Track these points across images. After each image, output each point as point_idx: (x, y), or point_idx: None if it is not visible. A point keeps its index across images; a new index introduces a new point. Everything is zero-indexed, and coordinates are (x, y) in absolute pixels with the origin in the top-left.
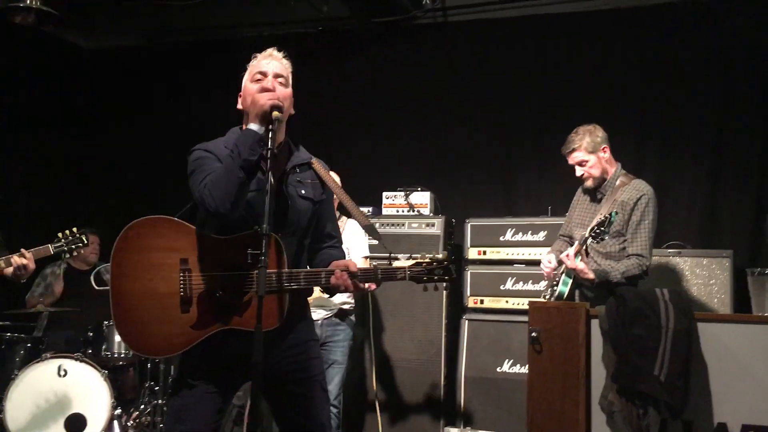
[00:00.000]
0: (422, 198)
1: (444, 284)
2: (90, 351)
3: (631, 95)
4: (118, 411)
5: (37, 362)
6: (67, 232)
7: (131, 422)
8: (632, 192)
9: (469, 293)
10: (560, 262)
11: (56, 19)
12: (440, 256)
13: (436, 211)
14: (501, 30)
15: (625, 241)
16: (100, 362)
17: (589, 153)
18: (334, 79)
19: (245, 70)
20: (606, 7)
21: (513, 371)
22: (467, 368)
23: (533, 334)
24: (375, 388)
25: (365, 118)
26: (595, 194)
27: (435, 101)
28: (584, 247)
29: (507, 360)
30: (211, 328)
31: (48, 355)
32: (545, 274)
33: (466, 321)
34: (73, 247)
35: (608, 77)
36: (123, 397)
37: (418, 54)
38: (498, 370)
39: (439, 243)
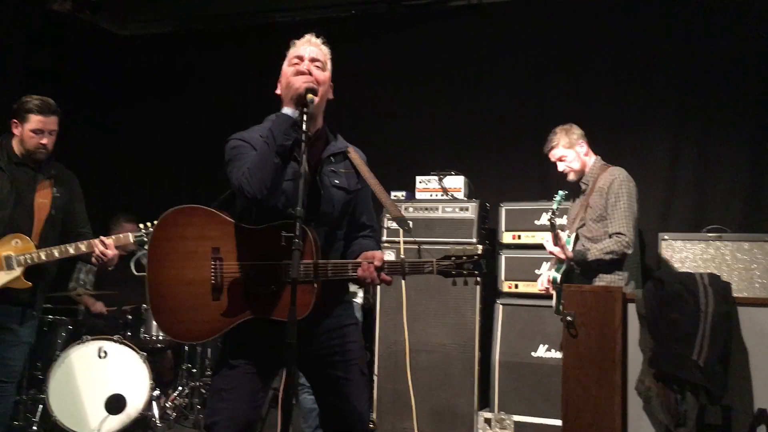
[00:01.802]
0: (456, 182)
1: (475, 279)
2: (129, 333)
3: (670, 78)
4: (157, 392)
5: (78, 344)
6: (149, 223)
7: (169, 403)
8: (607, 177)
9: (503, 278)
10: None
11: (92, 5)
12: (471, 249)
13: (470, 195)
14: (537, 11)
15: (607, 225)
16: (138, 344)
17: (566, 149)
18: (366, 64)
19: (279, 55)
20: None
21: (548, 356)
22: (501, 353)
23: (568, 318)
24: (408, 372)
25: (398, 102)
26: (580, 189)
27: (469, 84)
28: (555, 231)
29: (542, 344)
30: (241, 316)
31: (89, 337)
32: (543, 291)
33: (501, 306)
34: (146, 239)
35: (646, 59)
36: (161, 378)
37: (451, 36)
38: (533, 354)
39: (473, 227)
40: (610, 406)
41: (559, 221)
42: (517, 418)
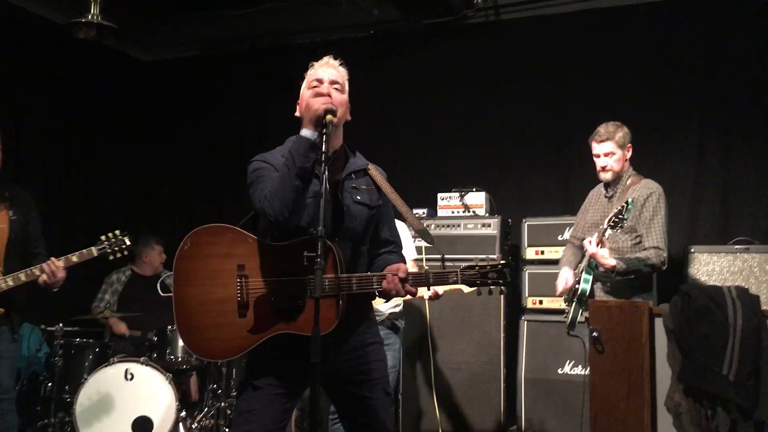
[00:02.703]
0: (477, 198)
1: (499, 288)
2: (155, 355)
3: (693, 90)
4: (183, 414)
5: (105, 366)
6: (110, 234)
7: (195, 425)
8: (643, 190)
9: (527, 294)
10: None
11: (116, 32)
12: (494, 258)
13: (492, 211)
14: (554, 27)
15: (637, 236)
16: (164, 366)
17: (618, 147)
18: (386, 82)
19: (299, 76)
20: None
21: (574, 372)
22: (527, 370)
23: (594, 334)
24: (434, 390)
25: (419, 119)
26: (606, 193)
27: (488, 101)
28: (603, 237)
29: (568, 361)
30: (267, 332)
31: (115, 359)
32: (560, 291)
33: (525, 322)
34: (116, 249)
35: (667, 72)
36: (186, 400)
37: (470, 54)
38: (559, 371)
39: (495, 244)
40: (639, 423)
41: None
42: None
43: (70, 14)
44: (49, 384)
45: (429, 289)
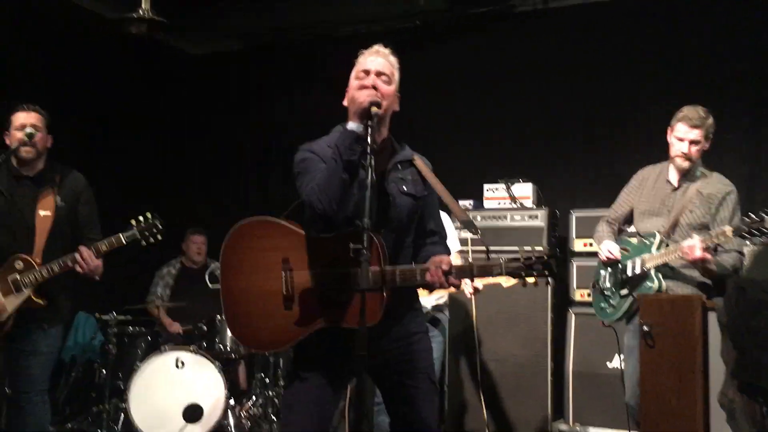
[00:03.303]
0: (524, 190)
1: (546, 280)
2: (204, 344)
3: (744, 78)
4: (232, 402)
5: (157, 354)
6: (141, 218)
7: (243, 413)
8: (718, 185)
9: (575, 286)
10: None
11: (165, 26)
12: (540, 249)
13: (539, 202)
14: (605, 13)
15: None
16: (213, 355)
17: (703, 137)
18: (432, 72)
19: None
20: None
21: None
22: (575, 363)
23: (645, 328)
24: (480, 382)
25: (465, 110)
26: (671, 181)
27: (536, 90)
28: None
29: (617, 355)
30: (313, 324)
31: (166, 347)
32: (605, 259)
33: (573, 315)
34: (147, 234)
35: (719, 59)
36: (235, 388)
37: (517, 43)
38: (608, 365)
39: (542, 235)
40: (691, 419)
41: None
42: (592, 430)
43: (119, 9)
44: (103, 371)
45: (472, 282)
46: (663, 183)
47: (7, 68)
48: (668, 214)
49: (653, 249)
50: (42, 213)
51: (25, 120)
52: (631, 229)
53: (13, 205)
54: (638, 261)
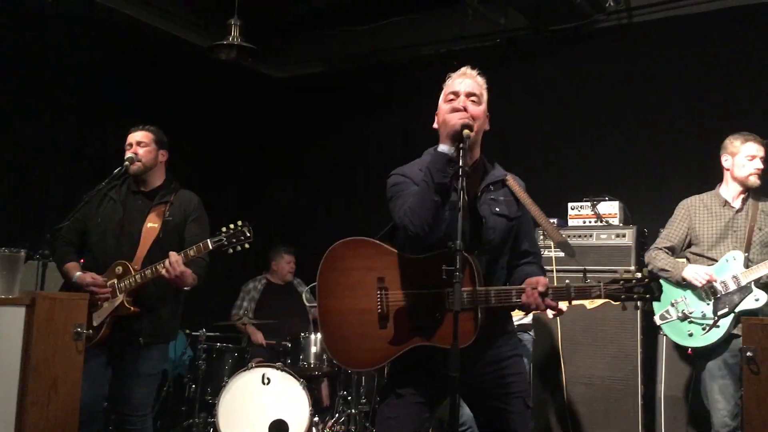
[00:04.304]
0: (611, 208)
1: (645, 303)
2: (289, 361)
3: None
4: (316, 419)
5: (244, 371)
6: (231, 225)
7: (327, 430)
8: None
9: None
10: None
11: (254, 52)
12: (640, 274)
13: (626, 221)
14: (691, 27)
15: None
16: (298, 372)
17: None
18: (514, 91)
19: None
20: None
21: None
22: (667, 387)
23: (748, 353)
24: (566, 405)
25: (548, 127)
26: (729, 204)
27: (621, 105)
28: None
29: None
30: (407, 343)
31: (253, 364)
32: (702, 284)
33: (665, 336)
34: (234, 240)
35: None
36: (318, 405)
37: (600, 58)
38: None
39: (630, 254)
40: None
41: None
42: None
43: (209, 37)
44: (193, 386)
45: (570, 303)
46: (720, 208)
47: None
48: (735, 235)
49: (742, 266)
50: (149, 225)
51: (132, 139)
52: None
53: (125, 215)
54: (731, 278)
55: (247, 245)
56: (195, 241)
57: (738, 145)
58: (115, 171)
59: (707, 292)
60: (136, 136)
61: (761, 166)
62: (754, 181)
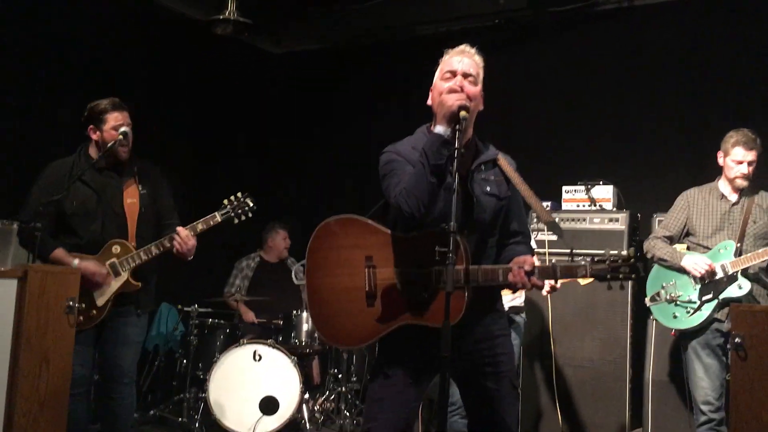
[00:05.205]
0: (604, 192)
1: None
2: (280, 338)
3: None
4: (306, 396)
5: (236, 347)
6: (233, 197)
7: (317, 407)
8: None
9: None
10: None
11: (250, 27)
12: (625, 253)
13: (620, 205)
14: (690, 11)
15: (767, 243)
16: (289, 349)
17: (757, 156)
18: (512, 72)
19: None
20: None
21: None
22: (655, 370)
23: (737, 340)
24: (555, 387)
25: (543, 110)
26: (727, 199)
27: (617, 90)
28: None
29: None
30: (394, 321)
31: (245, 340)
32: (702, 274)
33: (654, 321)
34: (240, 211)
35: None
36: (309, 382)
37: (599, 42)
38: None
39: (623, 239)
40: None
41: None
42: None
43: (208, 11)
44: (184, 361)
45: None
46: (717, 201)
47: (101, 68)
48: (730, 227)
49: (732, 255)
50: (129, 201)
51: (123, 120)
52: (679, 246)
53: (102, 196)
54: (719, 266)
55: (251, 214)
56: (170, 212)
57: (729, 147)
58: (106, 151)
59: (697, 278)
60: (125, 117)
61: (746, 171)
62: (741, 183)
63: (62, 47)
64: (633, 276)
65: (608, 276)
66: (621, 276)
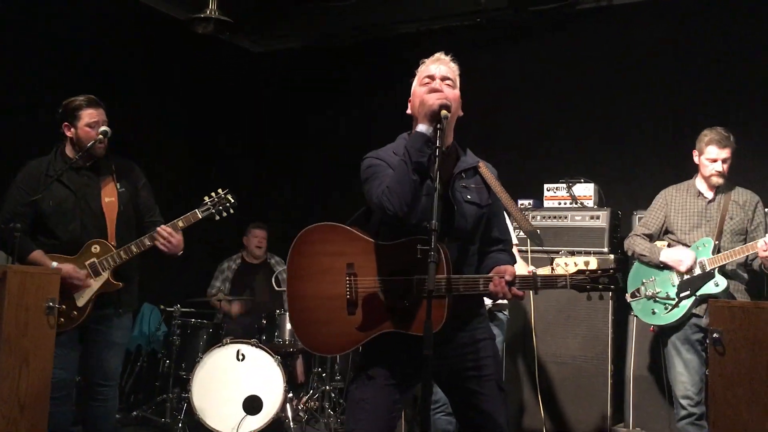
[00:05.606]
0: (586, 190)
1: (610, 293)
2: (264, 337)
3: None
4: (290, 395)
5: (219, 347)
6: (213, 194)
7: (301, 406)
8: (747, 195)
9: None
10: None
11: (231, 26)
12: (605, 264)
13: (601, 203)
14: (670, 10)
15: (743, 239)
16: (273, 348)
17: (732, 153)
18: (493, 71)
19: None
20: None
21: None
22: (636, 366)
23: (715, 335)
24: (537, 384)
25: (525, 108)
26: (705, 196)
27: (598, 89)
28: None
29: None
30: (375, 330)
31: (228, 340)
32: (686, 269)
33: (635, 317)
34: (221, 208)
35: None
36: (293, 381)
37: (580, 41)
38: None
39: (604, 236)
40: (763, 430)
41: None
42: None
43: (189, 10)
44: (167, 361)
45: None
46: (694, 198)
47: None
48: (708, 224)
49: (710, 253)
50: (107, 199)
51: (98, 117)
52: (660, 243)
53: (79, 196)
54: (698, 263)
55: (232, 211)
56: (151, 209)
57: (703, 145)
58: (83, 151)
59: (675, 273)
60: (101, 114)
61: (721, 169)
62: (716, 181)
63: (51, 47)
64: (612, 287)
65: (588, 287)
66: (600, 287)
